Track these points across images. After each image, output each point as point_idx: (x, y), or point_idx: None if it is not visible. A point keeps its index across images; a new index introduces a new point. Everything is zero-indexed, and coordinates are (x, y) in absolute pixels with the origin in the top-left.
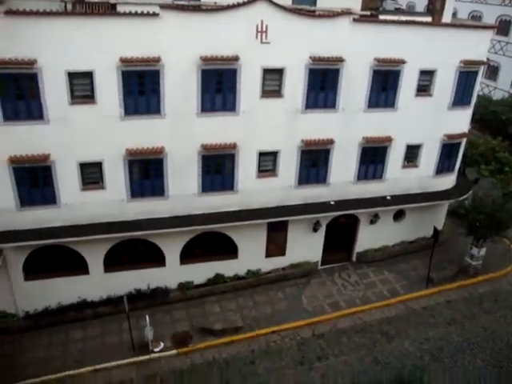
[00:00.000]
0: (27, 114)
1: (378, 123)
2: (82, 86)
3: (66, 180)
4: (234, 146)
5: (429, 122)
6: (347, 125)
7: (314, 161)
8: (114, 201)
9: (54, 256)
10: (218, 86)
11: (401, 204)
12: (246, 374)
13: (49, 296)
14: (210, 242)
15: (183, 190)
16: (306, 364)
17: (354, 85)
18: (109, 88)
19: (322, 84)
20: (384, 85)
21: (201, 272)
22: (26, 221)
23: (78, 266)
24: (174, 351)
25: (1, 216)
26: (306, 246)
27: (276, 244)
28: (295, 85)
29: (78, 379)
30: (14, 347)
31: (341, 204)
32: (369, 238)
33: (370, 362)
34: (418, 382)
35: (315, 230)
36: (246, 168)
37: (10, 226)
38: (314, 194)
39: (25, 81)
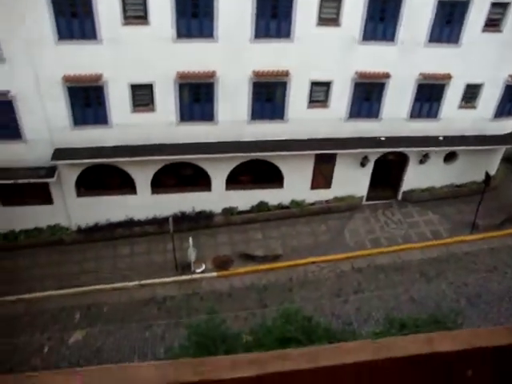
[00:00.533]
0: (81, 34)
1: (438, 59)
2: (134, 6)
3: (118, 101)
4: (286, 74)
5: (494, 59)
6: (405, 59)
7: (368, 94)
8: (164, 123)
9: (104, 175)
10: (274, 10)
11: (453, 145)
12: (282, 301)
13: (99, 213)
14: (256, 170)
15: (233, 116)
16: (342, 296)
17: (416, 16)
18: (162, 8)
19: (382, 14)
20: (449, 17)
21: (245, 199)
22: (79, 139)
23: (127, 186)
24: (214, 273)
25: (56, 134)
26: (352, 180)
27: (322, 176)
28: (353, 13)
29: (126, 292)
30: (67, 258)
31: (391, 141)
32: (417, 177)
33: (405, 300)
34: (452, 324)
35: (363, 164)
36: (297, 97)
37: (65, 143)
38: (364, 128)
39: None
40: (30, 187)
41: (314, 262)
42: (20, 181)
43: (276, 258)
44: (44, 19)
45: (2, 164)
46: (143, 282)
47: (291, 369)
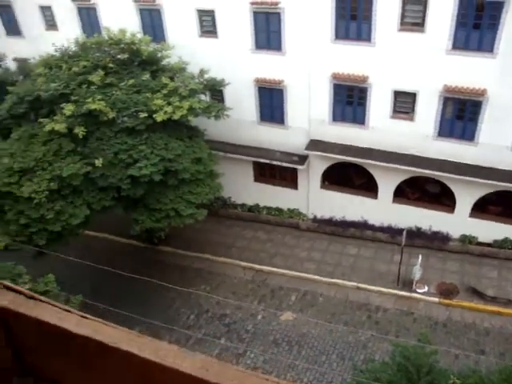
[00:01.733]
0: (356, 35)
1: None
2: (413, 13)
3: (378, 104)
4: None
5: None
6: None
7: None
8: (420, 135)
9: (349, 173)
10: None
11: None
12: (504, 352)
13: (336, 208)
14: (508, 202)
15: (496, 139)
16: None
17: None
18: (441, 17)
19: None
20: None
21: (489, 230)
22: (334, 135)
23: (369, 189)
24: (435, 299)
25: (314, 126)
26: None
27: None
28: None
29: (342, 289)
30: (298, 242)
31: None
32: None
33: None
34: None
35: None
36: None
37: (320, 136)
38: None
39: (360, 2)
40: (280, 170)
41: None
42: (274, 162)
43: (508, 303)
44: (326, 20)
45: (263, 144)
46: (361, 285)
47: None
